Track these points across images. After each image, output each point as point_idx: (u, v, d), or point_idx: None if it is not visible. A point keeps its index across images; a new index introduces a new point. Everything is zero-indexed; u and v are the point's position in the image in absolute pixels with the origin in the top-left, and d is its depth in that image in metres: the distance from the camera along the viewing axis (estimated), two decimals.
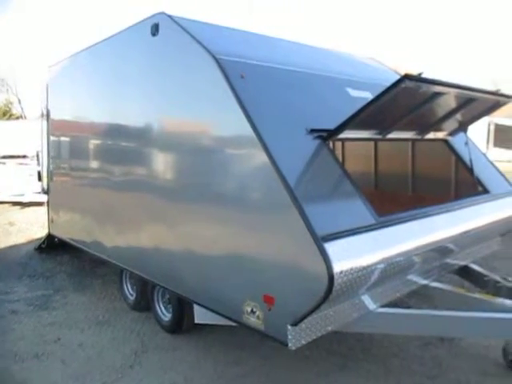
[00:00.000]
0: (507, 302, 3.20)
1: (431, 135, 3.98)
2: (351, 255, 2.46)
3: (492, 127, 27.22)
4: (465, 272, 3.94)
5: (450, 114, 3.62)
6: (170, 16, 3.48)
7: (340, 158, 5.44)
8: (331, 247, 2.37)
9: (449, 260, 3.64)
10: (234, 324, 3.05)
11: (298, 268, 2.49)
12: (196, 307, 3.53)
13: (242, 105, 2.82)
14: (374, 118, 3.07)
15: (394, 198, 4.50)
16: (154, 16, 3.65)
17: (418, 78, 2.67)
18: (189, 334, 3.97)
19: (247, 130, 2.76)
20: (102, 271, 5.79)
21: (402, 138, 3.89)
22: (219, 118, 3.08)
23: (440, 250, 3.29)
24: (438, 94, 3.07)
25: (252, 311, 2.79)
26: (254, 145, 2.72)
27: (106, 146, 4.63)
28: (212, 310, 3.19)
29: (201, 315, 3.53)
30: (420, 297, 4.21)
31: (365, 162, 5.20)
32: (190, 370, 3.44)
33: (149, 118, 3.82)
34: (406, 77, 2.57)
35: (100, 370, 3.47)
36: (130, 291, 4.68)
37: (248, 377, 3.35)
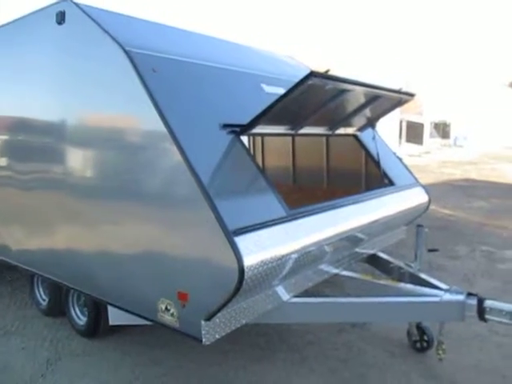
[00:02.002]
0: (408, 286, 3.43)
1: (342, 130, 4.16)
2: (262, 248, 2.49)
3: (404, 124, 29.38)
4: (374, 260, 4.18)
5: (358, 110, 3.79)
6: (76, 4, 3.29)
7: (260, 154, 5.53)
8: (242, 241, 2.39)
9: (358, 249, 3.84)
10: (149, 323, 2.99)
11: (209, 263, 2.49)
12: (110, 309, 3.41)
13: (154, 100, 2.74)
14: (285, 113, 3.14)
15: (310, 192, 4.66)
16: (59, 3, 3.42)
17: (324, 76, 2.75)
18: (106, 337, 3.82)
19: (159, 126, 2.70)
20: (11, 276, 5.38)
21: (314, 134, 4.02)
22: (130, 113, 2.97)
23: (349, 239, 3.46)
24: (345, 91, 3.20)
25: (166, 309, 2.74)
26: (166, 140, 2.66)
27: (7, 142, 4.29)
28: (126, 311, 3.10)
29: (115, 317, 3.42)
30: (335, 286, 4.41)
31: (283, 157, 5.33)
32: (106, 374, 3.33)
33: (55, 113, 3.58)
34: (312, 74, 2.66)
35: (7, 383, 3.24)
36: (42, 296, 4.41)
37: (167, 376, 3.31)
